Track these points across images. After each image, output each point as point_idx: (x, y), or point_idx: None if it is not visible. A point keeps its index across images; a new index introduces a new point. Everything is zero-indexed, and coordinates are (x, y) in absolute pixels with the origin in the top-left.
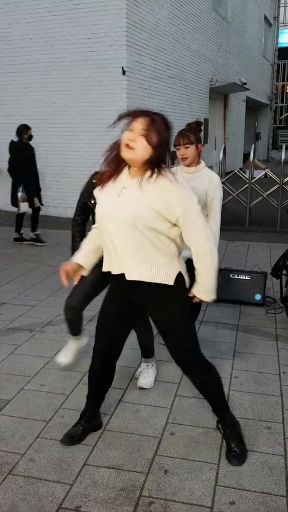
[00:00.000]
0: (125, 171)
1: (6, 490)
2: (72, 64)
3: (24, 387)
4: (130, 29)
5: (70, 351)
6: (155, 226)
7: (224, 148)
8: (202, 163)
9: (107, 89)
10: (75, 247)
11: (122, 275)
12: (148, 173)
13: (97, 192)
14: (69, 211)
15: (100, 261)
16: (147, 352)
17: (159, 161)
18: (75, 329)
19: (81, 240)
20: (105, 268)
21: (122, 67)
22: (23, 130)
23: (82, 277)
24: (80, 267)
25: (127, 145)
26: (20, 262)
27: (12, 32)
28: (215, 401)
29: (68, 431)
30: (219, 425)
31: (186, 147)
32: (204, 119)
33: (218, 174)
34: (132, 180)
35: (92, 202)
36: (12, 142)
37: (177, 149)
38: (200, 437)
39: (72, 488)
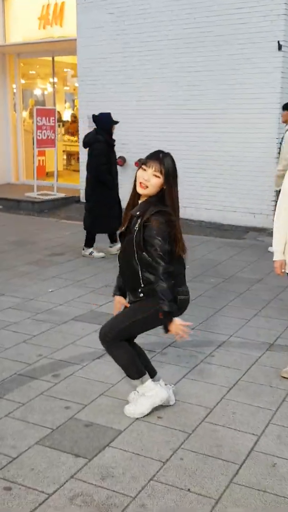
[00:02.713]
0: None
1: None
2: (216, 40)
3: (139, 417)
4: None
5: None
6: None
7: None
8: None
9: (258, 68)
10: None
11: None
12: None
13: None
14: (203, 213)
15: None
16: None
17: None
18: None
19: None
20: None
21: (278, 41)
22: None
23: None
24: None
25: None
26: None
27: (150, 3)
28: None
29: None
30: None
31: None
32: None
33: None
34: None
35: None
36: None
37: None
38: None
39: None
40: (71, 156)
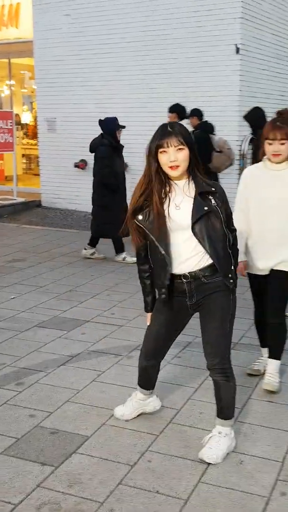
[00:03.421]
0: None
1: None
2: (174, 43)
3: (106, 422)
4: None
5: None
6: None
7: None
8: None
9: (216, 71)
10: None
11: None
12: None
13: None
14: None
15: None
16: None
17: None
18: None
19: None
20: None
21: (236, 45)
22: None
23: None
24: None
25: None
26: (107, 273)
27: (106, 6)
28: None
29: None
30: None
31: (281, 143)
32: None
33: None
34: None
35: None
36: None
37: (269, 143)
38: None
39: None
40: (31, 160)
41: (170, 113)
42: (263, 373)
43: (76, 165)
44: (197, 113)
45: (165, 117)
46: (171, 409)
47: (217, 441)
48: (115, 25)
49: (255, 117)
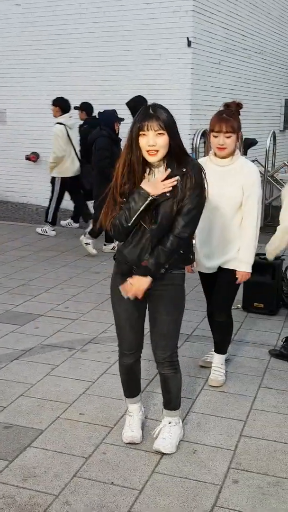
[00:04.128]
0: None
1: None
2: (127, 35)
3: (60, 416)
4: None
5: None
6: None
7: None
8: (238, 153)
9: (169, 63)
10: None
11: None
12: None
13: None
14: None
15: None
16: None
17: None
18: None
19: None
20: None
21: (187, 38)
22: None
23: None
24: None
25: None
26: (60, 267)
27: None
28: None
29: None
30: None
31: (227, 136)
32: (286, 99)
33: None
34: None
35: None
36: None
37: (215, 136)
38: (270, 488)
39: None
40: None
41: (53, 106)
42: None
43: (28, 158)
44: (86, 107)
45: (119, 110)
46: (124, 401)
47: (169, 431)
48: (67, 15)
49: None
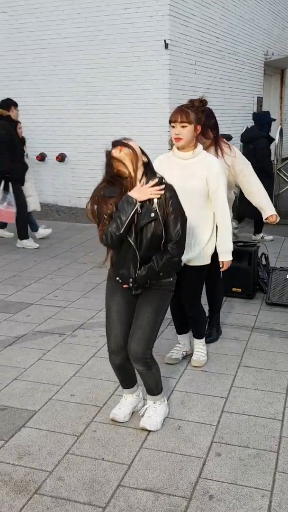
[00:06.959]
0: None
1: (31, 511)
2: (107, 38)
3: (52, 397)
4: None
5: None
6: None
7: (281, 131)
8: (200, 147)
9: (147, 65)
10: None
11: None
12: None
13: None
14: None
15: None
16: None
17: None
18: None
19: None
20: None
21: (165, 40)
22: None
23: None
24: None
25: None
26: (49, 259)
27: (42, 3)
28: None
29: None
30: None
31: (182, 126)
32: (258, 97)
33: (274, 161)
34: None
35: None
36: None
37: (172, 126)
38: (251, 459)
39: None
40: None
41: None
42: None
43: None
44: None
45: (98, 110)
46: (113, 382)
47: (154, 410)
48: (50, 21)
49: None
